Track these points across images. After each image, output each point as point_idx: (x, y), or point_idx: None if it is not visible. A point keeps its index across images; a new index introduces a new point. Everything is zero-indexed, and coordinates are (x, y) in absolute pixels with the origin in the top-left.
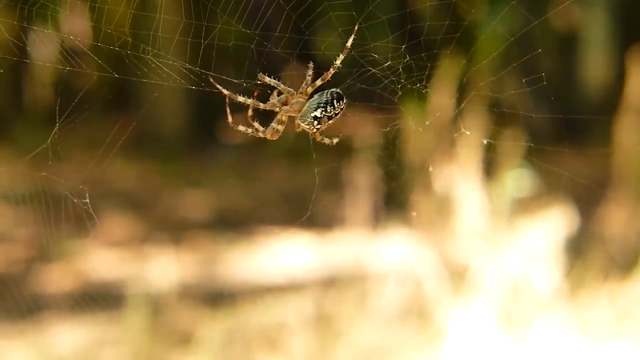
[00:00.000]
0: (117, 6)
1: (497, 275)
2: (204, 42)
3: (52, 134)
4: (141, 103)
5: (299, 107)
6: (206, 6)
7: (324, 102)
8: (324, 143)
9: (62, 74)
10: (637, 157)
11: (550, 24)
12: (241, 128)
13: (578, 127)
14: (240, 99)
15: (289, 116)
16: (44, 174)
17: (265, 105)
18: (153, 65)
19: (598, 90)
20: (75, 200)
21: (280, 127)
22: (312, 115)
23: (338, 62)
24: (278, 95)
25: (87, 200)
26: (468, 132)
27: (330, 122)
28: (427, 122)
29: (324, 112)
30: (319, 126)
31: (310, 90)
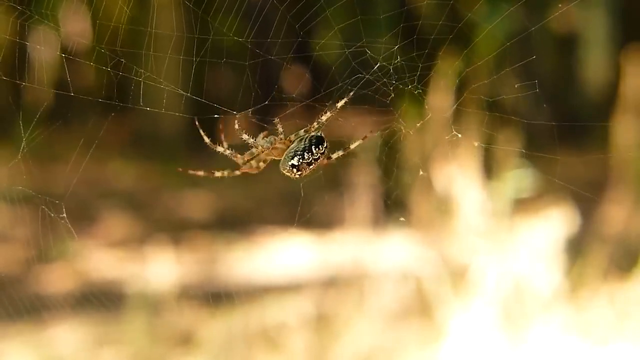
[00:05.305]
0: (109, 21)
1: (497, 275)
2: (195, 60)
3: (21, 148)
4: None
5: (279, 152)
6: (198, 16)
7: (301, 149)
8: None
9: (62, 76)
10: (635, 157)
11: (549, 24)
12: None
13: (576, 127)
14: (219, 149)
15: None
16: (20, 187)
17: (243, 157)
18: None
19: (597, 90)
20: (53, 215)
21: (262, 165)
22: (290, 163)
23: (324, 118)
24: (262, 138)
25: (64, 215)
26: (460, 135)
27: (311, 167)
28: (418, 125)
29: (301, 160)
30: (299, 173)
31: (292, 137)
